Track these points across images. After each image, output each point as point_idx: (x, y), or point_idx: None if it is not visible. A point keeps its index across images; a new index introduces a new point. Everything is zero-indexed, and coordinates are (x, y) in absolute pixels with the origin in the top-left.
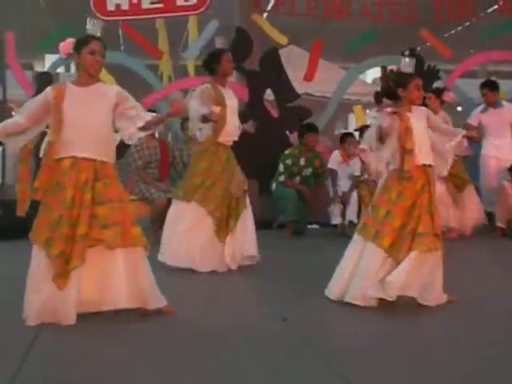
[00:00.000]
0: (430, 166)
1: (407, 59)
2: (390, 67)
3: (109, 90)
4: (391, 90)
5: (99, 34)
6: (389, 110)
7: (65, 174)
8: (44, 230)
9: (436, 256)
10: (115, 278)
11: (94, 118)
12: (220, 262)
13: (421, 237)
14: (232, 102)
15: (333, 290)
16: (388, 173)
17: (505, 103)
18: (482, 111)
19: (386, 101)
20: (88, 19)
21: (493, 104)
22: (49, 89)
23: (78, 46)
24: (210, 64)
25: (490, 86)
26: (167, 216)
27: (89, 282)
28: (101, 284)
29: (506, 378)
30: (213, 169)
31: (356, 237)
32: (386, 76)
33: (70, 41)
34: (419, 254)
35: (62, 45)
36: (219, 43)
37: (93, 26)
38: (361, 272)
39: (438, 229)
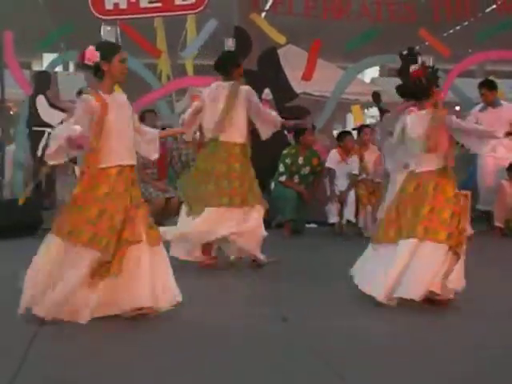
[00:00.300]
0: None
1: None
2: (413, 67)
3: (123, 98)
4: (423, 87)
5: (115, 40)
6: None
7: (115, 181)
8: (86, 229)
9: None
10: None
11: (127, 125)
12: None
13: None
14: None
15: (383, 291)
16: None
17: (504, 103)
18: (481, 110)
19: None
20: (102, 27)
21: (491, 103)
22: (90, 98)
23: (108, 55)
24: (230, 67)
25: (488, 86)
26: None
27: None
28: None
29: (505, 378)
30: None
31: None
32: (420, 72)
33: (93, 48)
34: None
35: (87, 52)
36: (228, 46)
37: (108, 33)
38: (420, 269)
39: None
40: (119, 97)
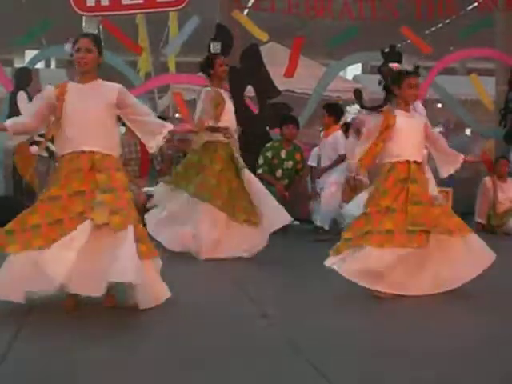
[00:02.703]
0: (415, 162)
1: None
2: (391, 64)
3: (109, 87)
4: (388, 88)
5: (96, 31)
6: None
7: (64, 169)
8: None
9: None
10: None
11: (92, 114)
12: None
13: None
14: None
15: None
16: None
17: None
18: None
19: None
20: (84, 18)
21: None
22: (51, 88)
23: (72, 46)
24: (205, 68)
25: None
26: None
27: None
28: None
29: (505, 378)
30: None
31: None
32: (385, 73)
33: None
34: None
35: (66, 46)
36: (214, 48)
37: (89, 25)
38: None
39: (416, 224)
40: (99, 85)
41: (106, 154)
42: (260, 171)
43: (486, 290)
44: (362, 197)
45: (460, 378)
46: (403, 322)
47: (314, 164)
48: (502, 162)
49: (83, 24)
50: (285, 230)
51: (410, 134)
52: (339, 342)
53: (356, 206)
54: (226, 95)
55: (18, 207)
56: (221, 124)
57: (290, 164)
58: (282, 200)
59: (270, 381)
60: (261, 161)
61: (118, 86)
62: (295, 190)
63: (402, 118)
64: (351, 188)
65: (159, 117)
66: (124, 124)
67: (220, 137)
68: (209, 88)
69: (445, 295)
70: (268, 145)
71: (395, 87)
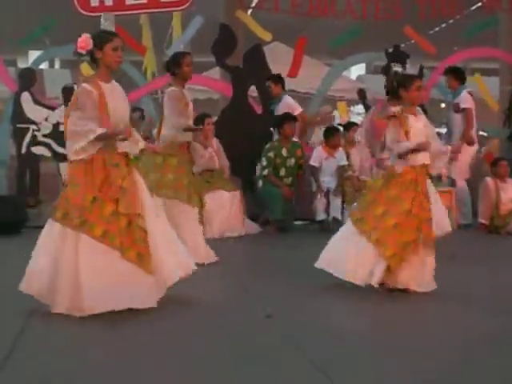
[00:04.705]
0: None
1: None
2: (395, 68)
3: (121, 88)
4: (394, 90)
5: (113, 29)
6: (392, 110)
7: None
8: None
9: None
10: None
11: (124, 112)
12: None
13: None
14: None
15: None
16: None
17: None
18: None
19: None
20: (102, 15)
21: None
22: (88, 87)
23: (101, 43)
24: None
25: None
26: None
27: None
28: None
29: (503, 378)
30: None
31: None
32: (390, 76)
33: (88, 36)
34: None
35: (80, 40)
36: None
37: (106, 22)
38: None
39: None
40: (117, 87)
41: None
42: (265, 173)
43: (487, 290)
44: None
45: (460, 379)
46: (403, 322)
47: (316, 164)
48: (502, 163)
49: (101, 21)
50: (284, 229)
51: (419, 136)
52: (341, 341)
53: None
54: (188, 95)
55: (21, 206)
56: None
57: (292, 161)
58: (287, 201)
59: (272, 380)
60: (264, 162)
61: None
62: (296, 188)
63: (411, 121)
64: (355, 188)
65: None
66: None
67: (189, 137)
68: (174, 88)
69: (445, 295)
70: (268, 145)
71: (402, 90)
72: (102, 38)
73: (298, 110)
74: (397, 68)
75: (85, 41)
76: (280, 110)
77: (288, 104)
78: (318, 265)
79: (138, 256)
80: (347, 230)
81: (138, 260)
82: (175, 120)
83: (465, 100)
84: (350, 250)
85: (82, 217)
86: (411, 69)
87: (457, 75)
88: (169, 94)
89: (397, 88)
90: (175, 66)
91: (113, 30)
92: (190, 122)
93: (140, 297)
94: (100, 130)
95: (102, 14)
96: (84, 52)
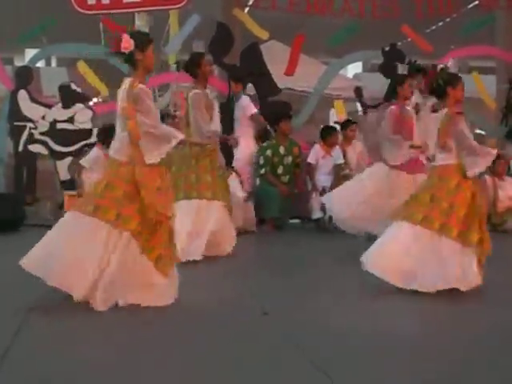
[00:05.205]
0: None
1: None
2: (440, 65)
3: None
4: (439, 88)
5: (148, 29)
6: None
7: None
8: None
9: None
10: None
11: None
12: None
13: None
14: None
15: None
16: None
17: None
18: None
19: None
20: (136, 15)
21: None
22: (147, 89)
23: (143, 44)
24: (191, 68)
25: None
26: None
27: None
28: None
29: (503, 378)
30: None
31: None
32: (436, 73)
33: (128, 37)
34: None
35: (124, 41)
36: (196, 47)
37: (141, 22)
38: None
39: None
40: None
41: None
42: (263, 171)
43: (485, 288)
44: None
45: (460, 379)
46: (403, 322)
47: (313, 162)
48: (500, 161)
49: (135, 21)
50: (280, 228)
51: None
52: (341, 341)
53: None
54: (212, 96)
55: (19, 204)
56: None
57: (289, 159)
58: (284, 200)
59: (272, 379)
60: (261, 161)
61: None
62: (293, 186)
63: None
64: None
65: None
66: None
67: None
68: (196, 91)
69: (444, 294)
70: (265, 144)
71: (450, 88)
72: (144, 40)
73: (251, 112)
74: (402, 68)
75: (128, 41)
76: (236, 110)
77: (242, 105)
78: (371, 269)
79: (157, 258)
80: (405, 234)
81: (157, 262)
82: (200, 127)
83: None
84: (426, 255)
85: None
86: (452, 68)
87: None
88: (192, 99)
89: (444, 86)
90: (194, 68)
91: (147, 30)
92: (214, 124)
93: (154, 296)
94: (181, 136)
95: (136, 14)
96: (126, 52)
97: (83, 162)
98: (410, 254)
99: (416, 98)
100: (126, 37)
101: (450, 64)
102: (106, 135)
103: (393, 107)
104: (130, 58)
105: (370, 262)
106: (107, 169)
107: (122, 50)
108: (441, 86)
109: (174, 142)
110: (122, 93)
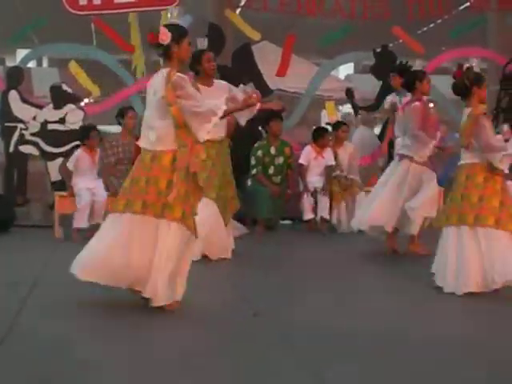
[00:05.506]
0: None
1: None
2: (466, 65)
3: None
4: (465, 87)
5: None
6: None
7: None
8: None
9: None
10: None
11: None
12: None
13: None
14: None
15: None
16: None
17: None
18: None
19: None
20: (168, 8)
21: None
22: (184, 76)
23: (179, 37)
24: (193, 65)
25: None
26: None
27: None
28: None
29: (503, 377)
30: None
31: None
32: (463, 72)
33: (166, 29)
34: None
35: (162, 33)
36: (201, 45)
37: (174, 14)
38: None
39: None
40: None
41: None
42: (254, 172)
43: None
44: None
45: (460, 379)
46: (402, 321)
47: (305, 163)
48: None
49: (168, 15)
50: (271, 228)
51: None
52: (335, 341)
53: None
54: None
55: (9, 205)
56: None
57: (280, 160)
58: (275, 200)
59: (269, 380)
60: (253, 161)
61: None
62: (285, 187)
63: None
64: (342, 187)
65: None
66: (120, 123)
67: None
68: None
69: (443, 293)
70: (256, 144)
71: (476, 88)
72: (180, 32)
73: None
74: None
75: (166, 34)
76: None
77: None
78: (442, 285)
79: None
80: (462, 238)
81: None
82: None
83: None
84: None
85: None
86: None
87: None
88: None
89: (470, 85)
90: (196, 64)
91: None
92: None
93: None
94: (224, 107)
95: (168, 8)
96: (164, 44)
97: (69, 164)
98: (484, 257)
99: (393, 96)
100: (163, 29)
101: (475, 64)
102: (84, 135)
103: (417, 103)
104: (166, 50)
105: (460, 285)
106: (146, 163)
107: (161, 41)
108: (466, 86)
109: (220, 113)
110: (158, 84)
